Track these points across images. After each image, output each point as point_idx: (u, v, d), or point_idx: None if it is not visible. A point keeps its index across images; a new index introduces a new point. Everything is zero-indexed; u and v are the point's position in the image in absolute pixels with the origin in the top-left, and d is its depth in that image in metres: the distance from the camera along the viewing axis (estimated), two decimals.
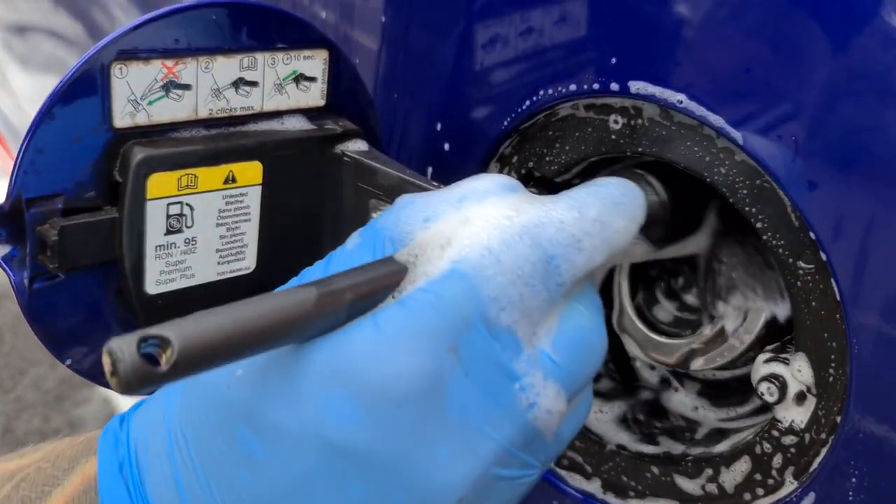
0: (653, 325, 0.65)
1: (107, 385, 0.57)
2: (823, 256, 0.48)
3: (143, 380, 0.31)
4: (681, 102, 0.50)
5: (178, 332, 0.32)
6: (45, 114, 0.48)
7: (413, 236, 0.42)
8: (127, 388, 0.31)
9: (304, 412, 0.38)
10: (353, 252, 0.43)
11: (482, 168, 0.63)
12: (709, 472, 0.58)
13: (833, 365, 0.50)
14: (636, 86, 0.52)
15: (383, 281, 0.40)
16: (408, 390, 0.37)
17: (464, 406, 0.38)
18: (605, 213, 0.44)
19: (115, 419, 0.46)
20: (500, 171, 0.63)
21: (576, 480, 0.64)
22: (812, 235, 0.48)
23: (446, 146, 0.65)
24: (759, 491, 0.56)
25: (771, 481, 0.55)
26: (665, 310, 0.66)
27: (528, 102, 0.58)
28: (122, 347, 0.31)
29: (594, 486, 0.64)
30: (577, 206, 0.44)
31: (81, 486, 0.43)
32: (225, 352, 0.34)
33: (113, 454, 0.43)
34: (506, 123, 0.60)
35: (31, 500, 0.43)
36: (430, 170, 0.67)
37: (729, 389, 0.66)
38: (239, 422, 0.39)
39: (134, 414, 0.45)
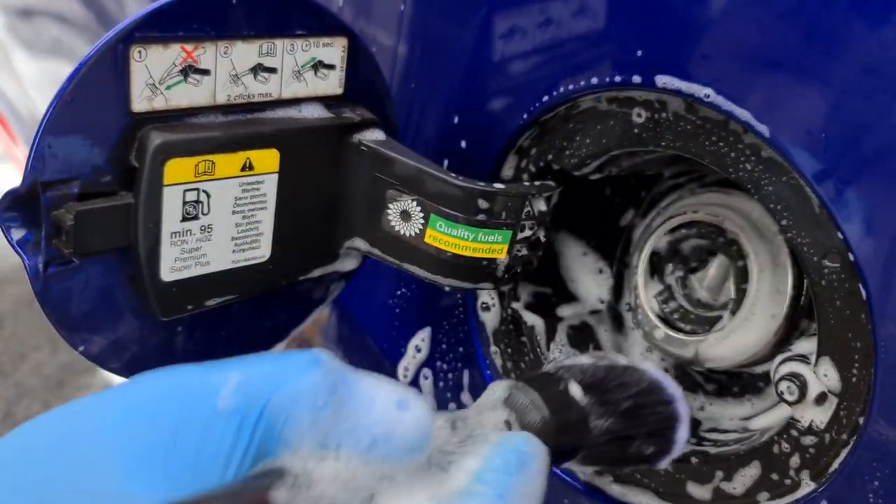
0: (668, 321, 0.64)
1: (117, 372, 0.57)
2: (850, 255, 0.47)
3: None
4: (707, 96, 0.50)
5: None
6: (63, 96, 0.48)
7: (300, 448, 0.36)
8: None
9: None
10: (225, 424, 0.34)
11: (499, 160, 0.63)
12: (720, 473, 0.58)
13: (857, 365, 0.49)
14: (662, 79, 0.51)
15: None
16: None
17: None
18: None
19: None
20: (518, 164, 0.63)
21: (586, 475, 0.64)
22: (839, 234, 0.47)
23: (463, 137, 0.64)
24: (773, 492, 0.55)
25: (788, 482, 0.54)
26: (681, 305, 0.65)
27: (549, 94, 0.58)
28: None
29: (604, 481, 0.63)
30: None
31: None
32: None
33: None
34: (525, 115, 0.60)
35: None
36: (445, 162, 0.66)
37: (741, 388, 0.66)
38: None
39: None
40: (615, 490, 0.63)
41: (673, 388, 0.55)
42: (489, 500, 0.38)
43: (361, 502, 0.36)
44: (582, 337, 0.69)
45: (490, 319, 0.68)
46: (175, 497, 0.32)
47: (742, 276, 0.60)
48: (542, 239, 0.63)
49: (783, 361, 0.54)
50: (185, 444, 0.33)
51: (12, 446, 0.35)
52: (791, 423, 0.53)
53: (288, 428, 0.35)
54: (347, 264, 0.64)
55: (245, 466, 0.34)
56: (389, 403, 0.38)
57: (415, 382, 0.72)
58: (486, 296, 0.67)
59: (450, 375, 0.70)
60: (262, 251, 0.57)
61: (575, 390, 0.51)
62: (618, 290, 0.70)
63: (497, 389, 0.49)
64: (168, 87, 0.51)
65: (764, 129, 0.48)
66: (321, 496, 0.35)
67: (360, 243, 0.61)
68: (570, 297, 0.70)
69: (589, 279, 0.69)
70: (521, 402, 0.48)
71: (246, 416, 0.34)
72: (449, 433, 0.43)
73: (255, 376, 0.35)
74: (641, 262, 0.65)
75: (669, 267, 0.65)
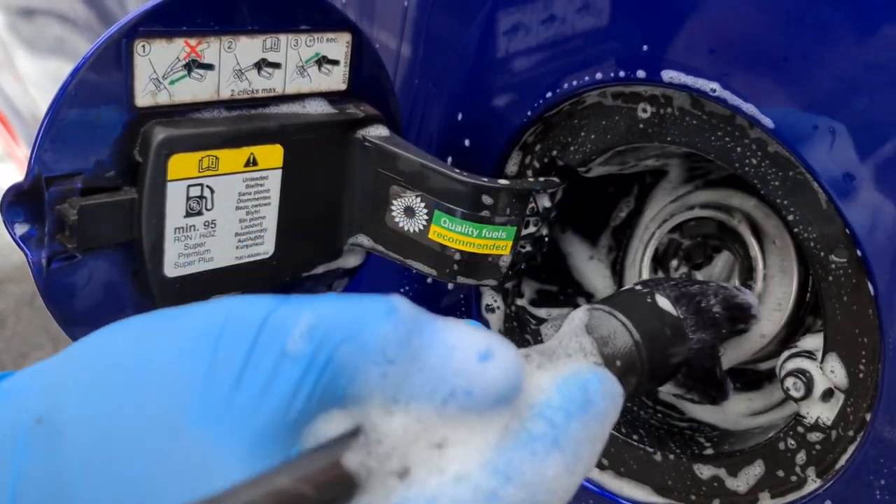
0: None
1: None
2: (858, 250, 0.47)
3: None
4: (714, 91, 0.49)
5: None
6: (66, 91, 0.47)
7: (369, 402, 0.34)
8: None
9: None
10: (291, 366, 0.33)
11: (503, 156, 0.62)
12: (723, 470, 0.57)
13: (864, 361, 0.49)
14: (668, 74, 0.51)
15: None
16: None
17: None
18: (591, 457, 0.37)
19: None
20: (522, 160, 0.62)
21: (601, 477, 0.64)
22: (847, 229, 0.47)
23: (467, 133, 0.64)
24: (779, 489, 0.55)
25: (794, 478, 0.54)
26: None
27: (553, 90, 0.57)
28: None
29: (604, 477, 0.63)
30: (571, 464, 0.36)
31: None
32: None
33: None
34: (530, 111, 0.59)
35: None
36: (449, 158, 0.66)
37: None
38: None
39: None
40: (614, 485, 0.62)
41: (756, 306, 0.55)
42: (543, 445, 0.35)
43: (429, 448, 0.34)
44: None
45: (495, 321, 0.67)
46: (237, 445, 0.32)
47: (747, 273, 0.60)
48: (546, 235, 0.62)
49: (789, 358, 0.53)
50: (252, 383, 0.33)
51: (95, 352, 0.35)
52: (797, 419, 0.53)
53: (356, 382, 0.34)
54: (351, 261, 0.63)
55: (309, 411, 0.33)
56: (471, 354, 0.35)
57: None
58: (490, 297, 0.67)
59: None
60: (266, 247, 0.57)
61: (664, 302, 0.48)
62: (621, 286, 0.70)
63: (577, 316, 0.46)
64: (172, 82, 0.51)
65: (770, 123, 0.48)
66: (391, 451, 0.34)
67: (363, 239, 0.61)
68: (577, 294, 0.70)
69: (597, 276, 0.69)
70: (606, 327, 0.45)
71: (313, 363, 0.33)
72: (532, 371, 0.39)
73: (327, 321, 0.34)
74: (646, 259, 0.65)
75: (674, 263, 0.65)
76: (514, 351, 0.36)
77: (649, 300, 0.48)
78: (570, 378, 0.38)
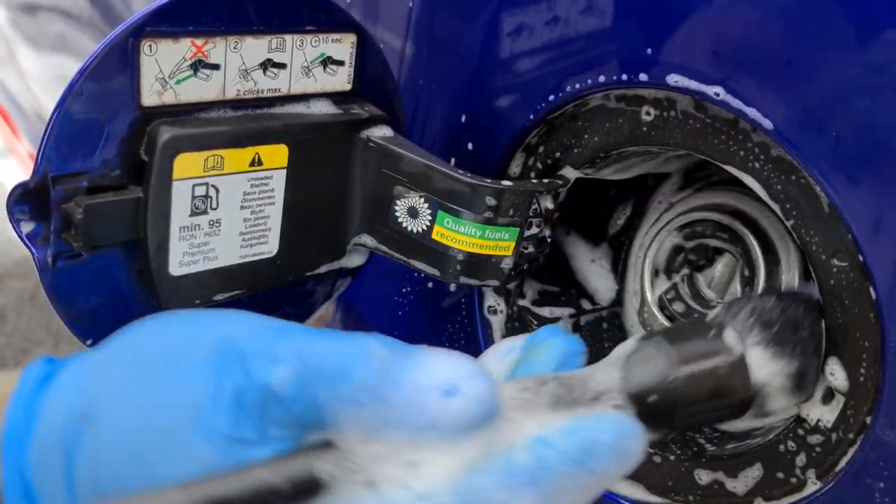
0: (674, 320, 0.64)
1: None
2: (860, 254, 0.47)
3: None
4: (717, 95, 0.50)
5: None
6: (73, 90, 0.48)
7: (347, 432, 0.38)
8: None
9: None
10: (278, 404, 0.38)
11: (506, 158, 0.63)
12: (722, 472, 0.58)
13: (865, 364, 0.49)
14: (672, 77, 0.51)
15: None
16: None
17: None
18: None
19: (16, 411, 0.42)
20: (526, 161, 0.63)
21: None
22: (849, 233, 0.47)
23: (471, 134, 0.64)
24: (778, 491, 0.55)
25: (794, 480, 0.54)
26: (687, 304, 0.65)
27: (557, 92, 0.58)
28: None
29: None
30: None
31: None
32: None
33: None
34: (533, 113, 0.60)
35: None
36: (453, 159, 0.66)
37: None
38: None
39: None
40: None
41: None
42: (520, 478, 0.36)
43: (400, 467, 0.37)
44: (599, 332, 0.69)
45: (497, 323, 0.68)
46: (231, 461, 0.37)
47: (750, 276, 0.60)
48: (549, 237, 0.63)
49: None
50: (247, 415, 0.38)
51: (128, 355, 0.43)
52: (798, 421, 0.54)
53: (334, 418, 0.38)
54: (354, 260, 0.64)
55: (293, 436, 0.38)
56: (434, 392, 0.37)
57: None
58: (492, 299, 0.67)
59: None
60: (270, 246, 0.57)
61: (730, 336, 0.44)
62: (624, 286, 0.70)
63: (629, 343, 0.43)
64: (178, 82, 0.51)
65: (773, 127, 0.48)
66: (360, 467, 0.37)
67: (367, 239, 0.61)
68: (580, 295, 0.70)
69: (599, 279, 0.70)
70: (644, 360, 0.42)
71: (296, 401, 0.38)
72: (541, 408, 0.39)
73: (311, 366, 0.38)
74: (648, 261, 0.65)
75: (675, 265, 0.65)
76: (484, 382, 0.37)
77: (713, 334, 0.45)
78: (580, 424, 0.38)
